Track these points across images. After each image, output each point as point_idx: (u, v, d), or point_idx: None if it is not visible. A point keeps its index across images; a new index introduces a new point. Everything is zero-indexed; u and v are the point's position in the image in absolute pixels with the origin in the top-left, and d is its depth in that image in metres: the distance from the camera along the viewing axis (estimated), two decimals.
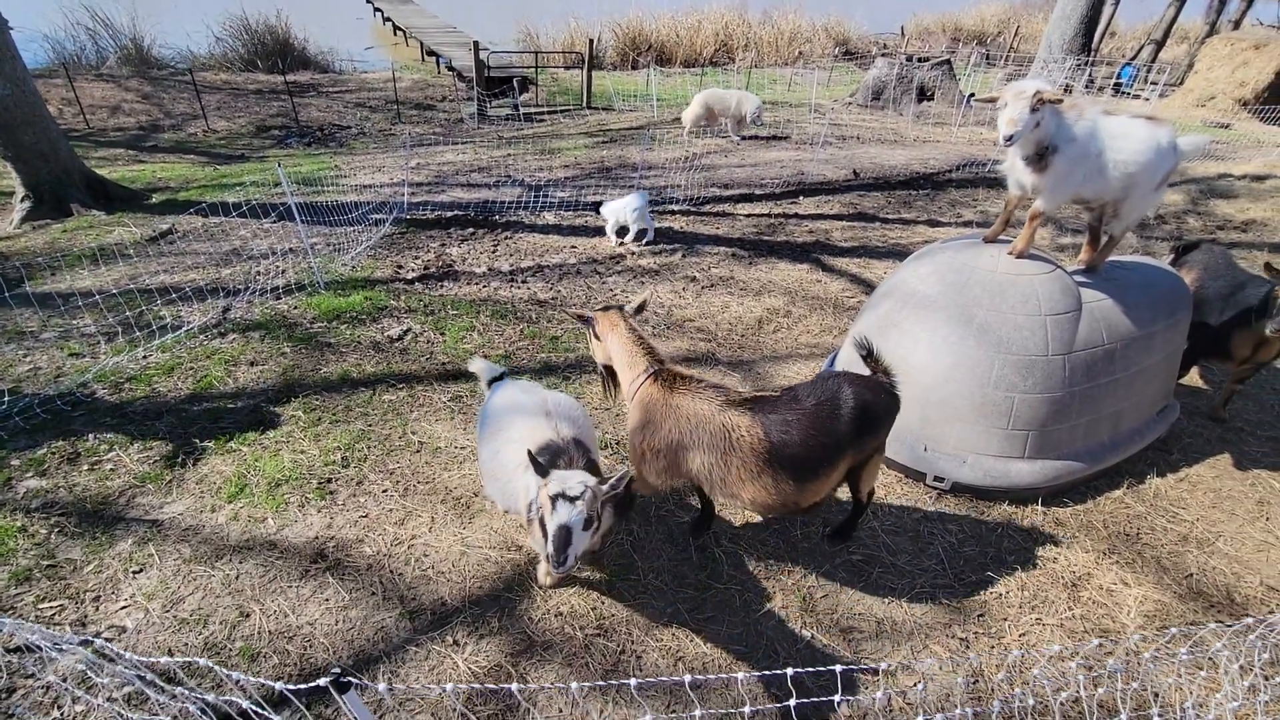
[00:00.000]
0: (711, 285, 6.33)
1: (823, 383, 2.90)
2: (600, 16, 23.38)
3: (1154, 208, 5.10)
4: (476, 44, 15.70)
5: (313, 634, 2.89)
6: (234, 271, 6.19)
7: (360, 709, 1.33)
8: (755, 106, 11.58)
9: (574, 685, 1.46)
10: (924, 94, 15.58)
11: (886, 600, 3.20)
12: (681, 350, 5.17)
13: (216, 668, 1.49)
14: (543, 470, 2.41)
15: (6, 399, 4.19)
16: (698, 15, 24.49)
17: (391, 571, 3.21)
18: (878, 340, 3.97)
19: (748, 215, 8.25)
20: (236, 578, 3.14)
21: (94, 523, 3.42)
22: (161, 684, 1.74)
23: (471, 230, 7.42)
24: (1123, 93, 18.14)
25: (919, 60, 16.33)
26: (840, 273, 6.72)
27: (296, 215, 5.69)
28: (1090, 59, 17.25)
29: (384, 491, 3.70)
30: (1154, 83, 17.67)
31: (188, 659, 1.57)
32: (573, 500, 2.28)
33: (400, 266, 6.43)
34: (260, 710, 1.42)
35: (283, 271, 6.14)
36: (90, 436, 4.02)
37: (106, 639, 2.81)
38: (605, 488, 2.40)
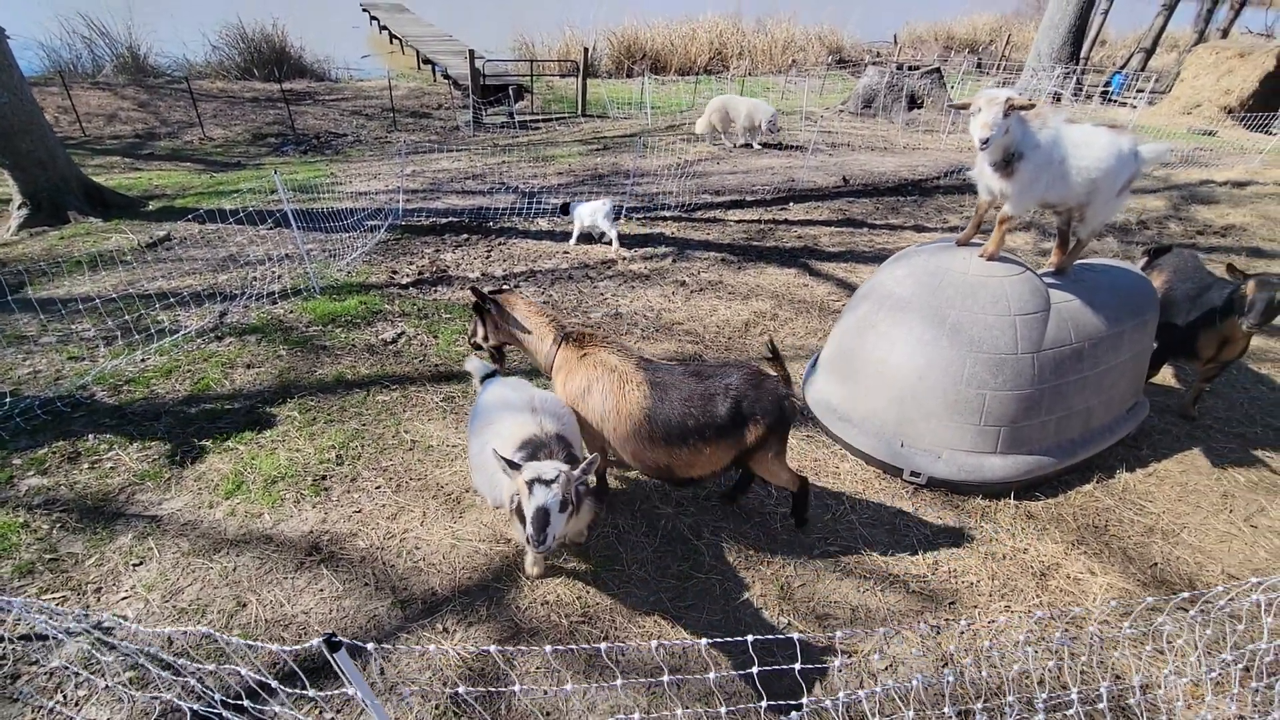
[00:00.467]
0: (701, 289, 6.46)
1: (722, 368, 3.21)
2: (595, 25, 23.62)
3: (1118, 212, 5.27)
4: (472, 52, 15.88)
5: (308, 622, 3.00)
6: (231, 277, 6.31)
7: (351, 669, 1.44)
8: (770, 115, 11.72)
9: (548, 648, 1.57)
10: (914, 102, 15.79)
11: (862, 590, 3.32)
12: (669, 352, 5.30)
13: (218, 635, 1.60)
14: (515, 466, 2.52)
15: (8, 401, 4.30)
16: (692, 24, 24.74)
17: (384, 564, 3.32)
18: (857, 340, 4.12)
19: (738, 221, 8.40)
20: (234, 570, 3.25)
21: (95, 518, 3.53)
22: (168, 657, 1.85)
23: (466, 236, 7.56)
24: (1111, 100, 18.40)
25: (909, 69, 16.57)
26: (827, 277, 6.87)
27: (292, 222, 5.81)
28: (1080, 67, 17.52)
29: (377, 488, 3.82)
30: (1141, 90, 17.94)
31: (195, 629, 1.68)
32: (548, 483, 2.43)
33: (395, 272, 6.55)
34: (262, 679, 1.52)
35: (279, 277, 6.25)
36: (90, 436, 4.12)
37: (108, 627, 2.91)
38: (577, 472, 2.55)
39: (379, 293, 6.07)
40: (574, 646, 1.84)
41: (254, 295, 5.84)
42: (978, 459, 3.84)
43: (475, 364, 3.62)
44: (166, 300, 5.67)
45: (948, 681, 2.06)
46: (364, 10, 27.89)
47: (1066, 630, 3.11)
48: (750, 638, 1.77)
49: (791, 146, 12.36)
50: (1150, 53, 22.76)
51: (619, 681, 1.85)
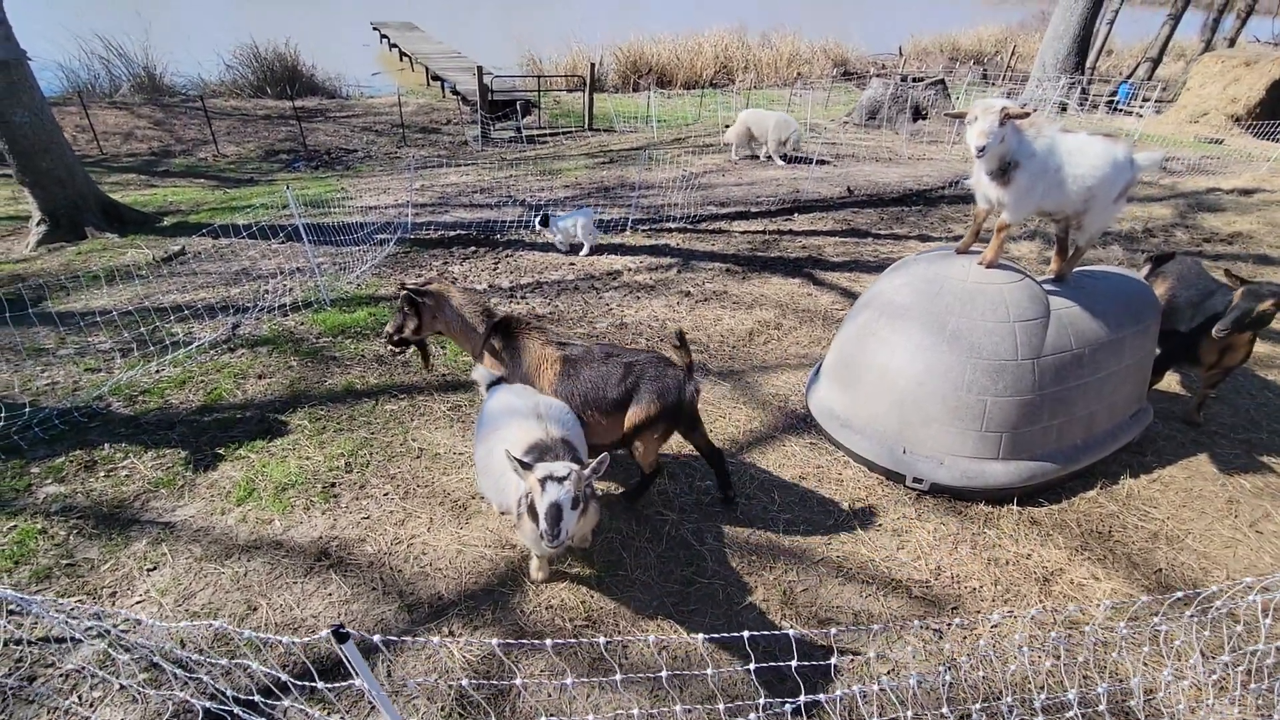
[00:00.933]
0: (705, 299, 6.52)
1: (630, 351, 3.57)
2: (602, 40, 23.89)
3: (1115, 220, 5.30)
4: (480, 69, 16.11)
5: (316, 626, 3.05)
6: (243, 290, 6.43)
7: (359, 660, 1.49)
8: (793, 130, 11.83)
9: (549, 642, 1.62)
10: (919, 113, 15.87)
11: (864, 595, 3.35)
12: None
13: (231, 629, 1.65)
14: (527, 467, 2.59)
15: (27, 411, 4.40)
16: (698, 38, 24.98)
17: (392, 569, 3.37)
18: (858, 348, 4.17)
19: (743, 232, 8.47)
20: (245, 575, 3.31)
21: (110, 525, 3.60)
22: (183, 654, 1.90)
23: (473, 249, 7.66)
24: (1118, 109, 18.42)
25: (914, 80, 16.65)
26: (831, 286, 6.91)
27: (304, 236, 5.93)
28: (1086, 77, 17.56)
29: (385, 495, 3.88)
30: (1148, 99, 17.95)
31: (209, 623, 1.74)
32: (560, 480, 2.50)
33: (403, 284, 6.64)
34: (274, 674, 1.57)
35: (290, 290, 6.37)
36: (106, 445, 4.21)
37: (122, 630, 2.98)
38: (588, 471, 2.62)
39: (388, 304, 6.17)
40: (577, 640, 1.87)
41: (266, 308, 5.95)
42: (980, 465, 3.86)
43: (481, 372, 3.68)
44: (181, 313, 5.78)
45: (945, 682, 2.08)
46: (375, 29, 28.32)
47: (1069, 635, 3.11)
48: (746, 634, 1.81)
49: (797, 159, 12.45)
50: (1157, 62, 22.76)
51: (618, 677, 1.88)
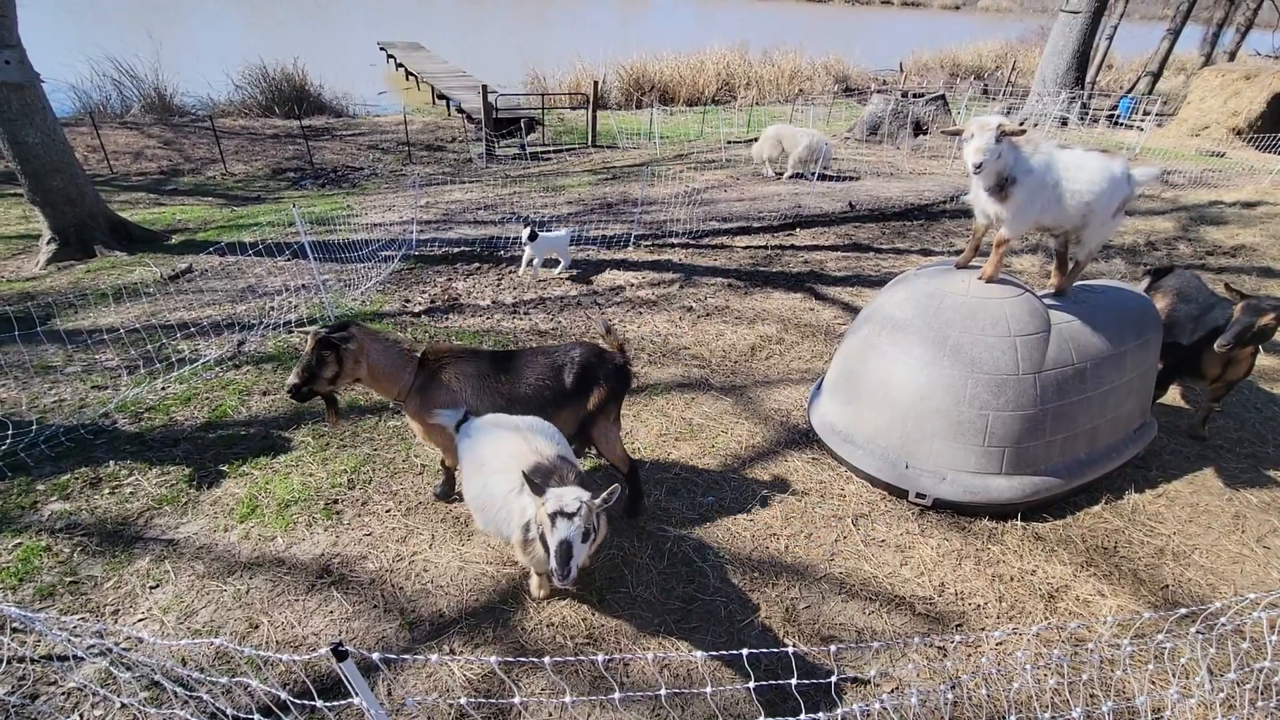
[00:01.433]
0: (707, 314, 6.54)
1: (568, 346, 3.64)
2: (605, 58, 24.12)
3: (1114, 234, 5.31)
4: (485, 87, 16.29)
5: (317, 644, 3.05)
6: (249, 307, 6.48)
7: (358, 678, 1.49)
8: (824, 146, 11.78)
9: (547, 660, 1.62)
10: (920, 128, 15.96)
11: (867, 612, 3.33)
12: (675, 377, 5.36)
13: (231, 646, 1.66)
14: (539, 489, 2.58)
15: (33, 428, 4.43)
16: (700, 55, 25.22)
17: (393, 585, 3.37)
18: (860, 363, 4.17)
19: (745, 247, 8.50)
20: (247, 592, 3.32)
21: (114, 542, 3.62)
22: (184, 672, 1.90)
23: (477, 265, 7.71)
24: (1119, 123, 18.49)
25: (915, 96, 16.77)
26: (833, 301, 6.93)
27: (309, 253, 5.98)
28: (1085, 92, 17.66)
29: (387, 511, 3.89)
30: (1149, 113, 18.03)
31: (210, 639, 1.74)
32: (571, 516, 2.46)
33: (408, 300, 6.70)
34: (274, 692, 1.57)
35: (295, 306, 6.41)
36: (111, 462, 4.23)
37: (124, 649, 2.98)
38: (598, 502, 2.57)
39: (392, 321, 6.21)
40: (576, 657, 1.87)
41: (271, 324, 5.99)
42: (983, 480, 3.85)
43: (444, 416, 3.38)
44: (187, 330, 5.83)
45: (948, 701, 2.07)
46: (381, 49, 28.69)
47: (1074, 653, 3.09)
48: (746, 652, 1.80)
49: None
50: (1157, 76, 22.89)
51: (618, 695, 1.88)
